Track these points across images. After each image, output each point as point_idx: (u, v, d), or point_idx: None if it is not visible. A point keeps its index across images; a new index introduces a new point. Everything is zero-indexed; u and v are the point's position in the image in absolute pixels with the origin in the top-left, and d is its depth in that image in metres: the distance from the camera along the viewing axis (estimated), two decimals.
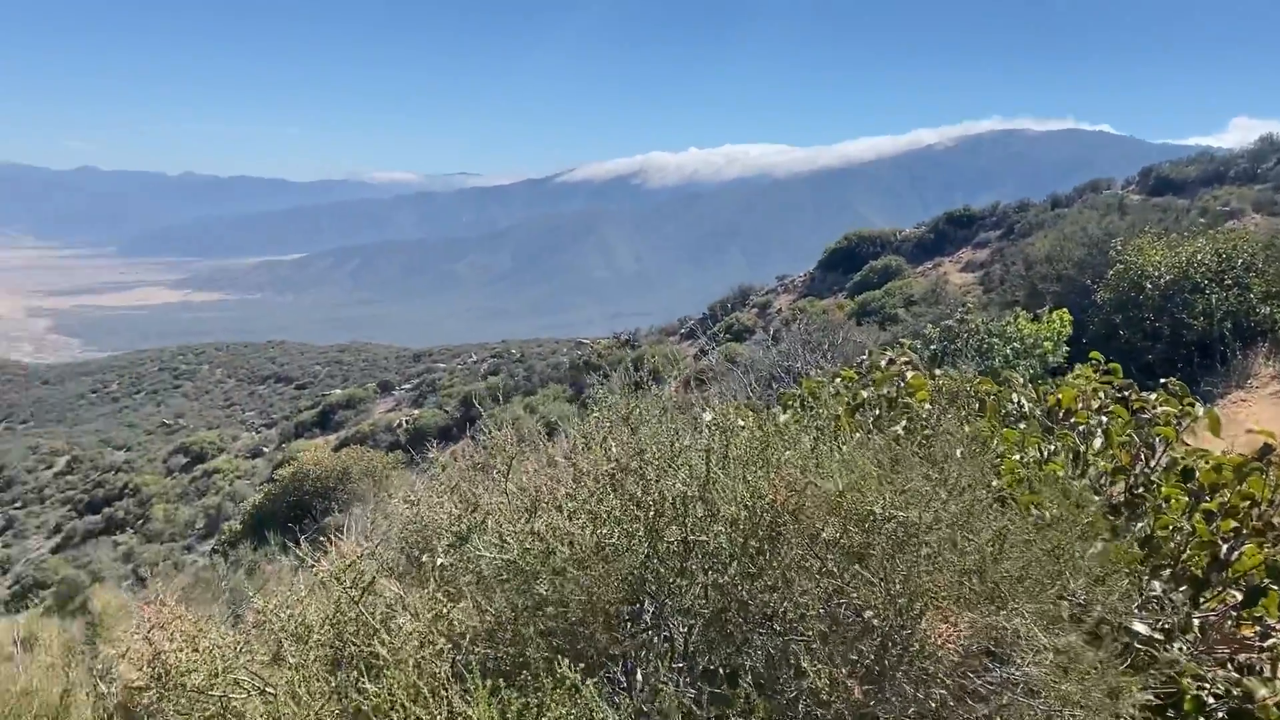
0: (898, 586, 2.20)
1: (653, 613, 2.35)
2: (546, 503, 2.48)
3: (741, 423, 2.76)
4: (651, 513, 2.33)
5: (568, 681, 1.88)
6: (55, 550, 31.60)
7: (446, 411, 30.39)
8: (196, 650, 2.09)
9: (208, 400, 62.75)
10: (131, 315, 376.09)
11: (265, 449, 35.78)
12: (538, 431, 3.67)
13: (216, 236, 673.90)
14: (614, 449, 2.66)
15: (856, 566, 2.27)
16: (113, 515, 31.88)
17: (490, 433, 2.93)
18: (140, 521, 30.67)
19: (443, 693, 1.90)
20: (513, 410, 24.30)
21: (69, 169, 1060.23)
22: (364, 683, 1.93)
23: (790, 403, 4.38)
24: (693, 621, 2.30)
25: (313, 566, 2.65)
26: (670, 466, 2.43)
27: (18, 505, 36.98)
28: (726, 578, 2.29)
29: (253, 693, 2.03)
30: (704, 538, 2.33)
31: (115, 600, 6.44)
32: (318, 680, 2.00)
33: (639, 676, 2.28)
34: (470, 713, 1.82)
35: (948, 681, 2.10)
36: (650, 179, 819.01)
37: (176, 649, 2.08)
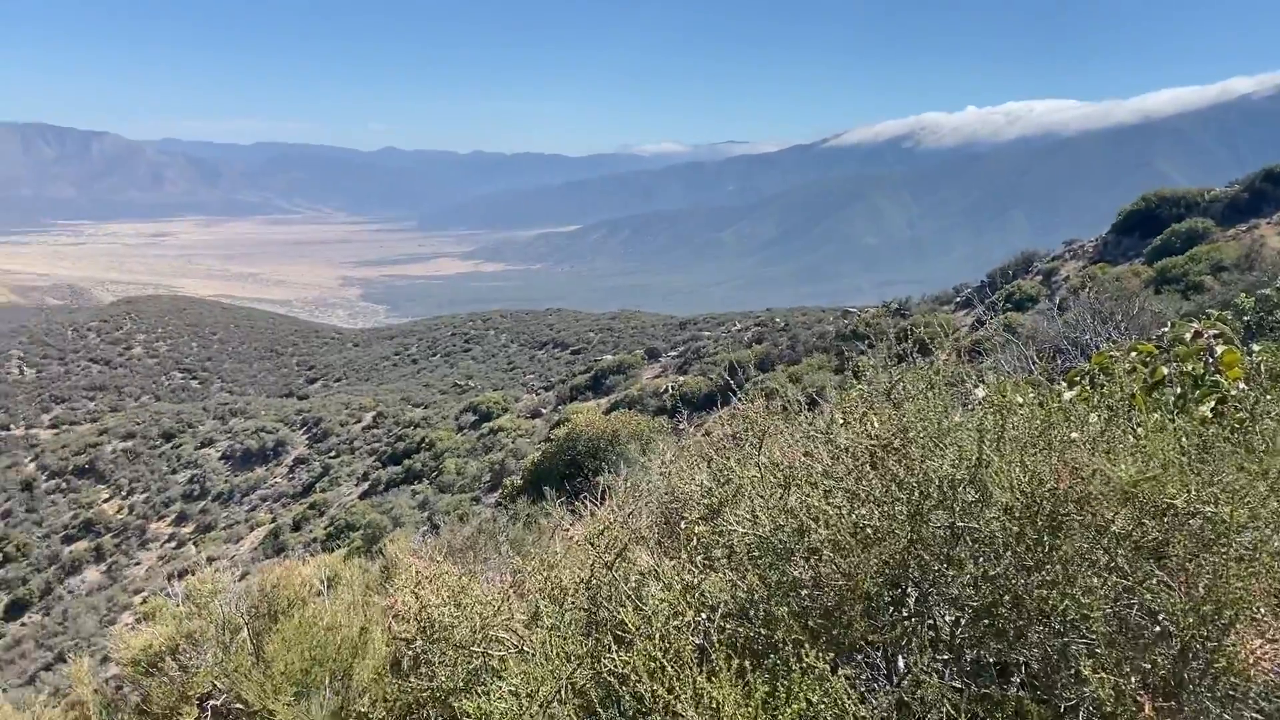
0: (1201, 591, 1.93)
1: (915, 600, 2.21)
2: (801, 478, 2.39)
3: (1020, 400, 2.52)
4: (916, 495, 2.18)
5: (816, 670, 1.80)
6: (363, 496, 35.01)
7: (711, 379, 30.76)
8: (459, 606, 2.18)
9: (493, 363, 67.09)
10: (428, 284, 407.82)
11: (543, 410, 37.77)
12: (798, 402, 3.57)
13: (502, 210, 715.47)
14: (874, 425, 2.52)
15: (1152, 565, 2.02)
16: (411, 466, 34.84)
17: (743, 403, 2.86)
18: (434, 473, 33.32)
19: (687, 671, 1.88)
20: (776, 379, 24.21)
21: (374, 150, 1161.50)
22: (614, 651, 1.94)
23: (1077, 379, 4.01)
24: (960, 612, 2.14)
25: (570, 528, 2.71)
26: (937, 446, 2.27)
27: (332, 455, 41.26)
28: (999, 568, 2.10)
29: (510, 651, 2.10)
30: (974, 524, 2.15)
31: (406, 547, 6.93)
32: (572, 643, 2.04)
33: (899, 665, 2.16)
34: (715, 694, 1.78)
35: (1262, 705, 1.82)
36: (924, 141, 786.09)
37: (441, 604, 2.19)
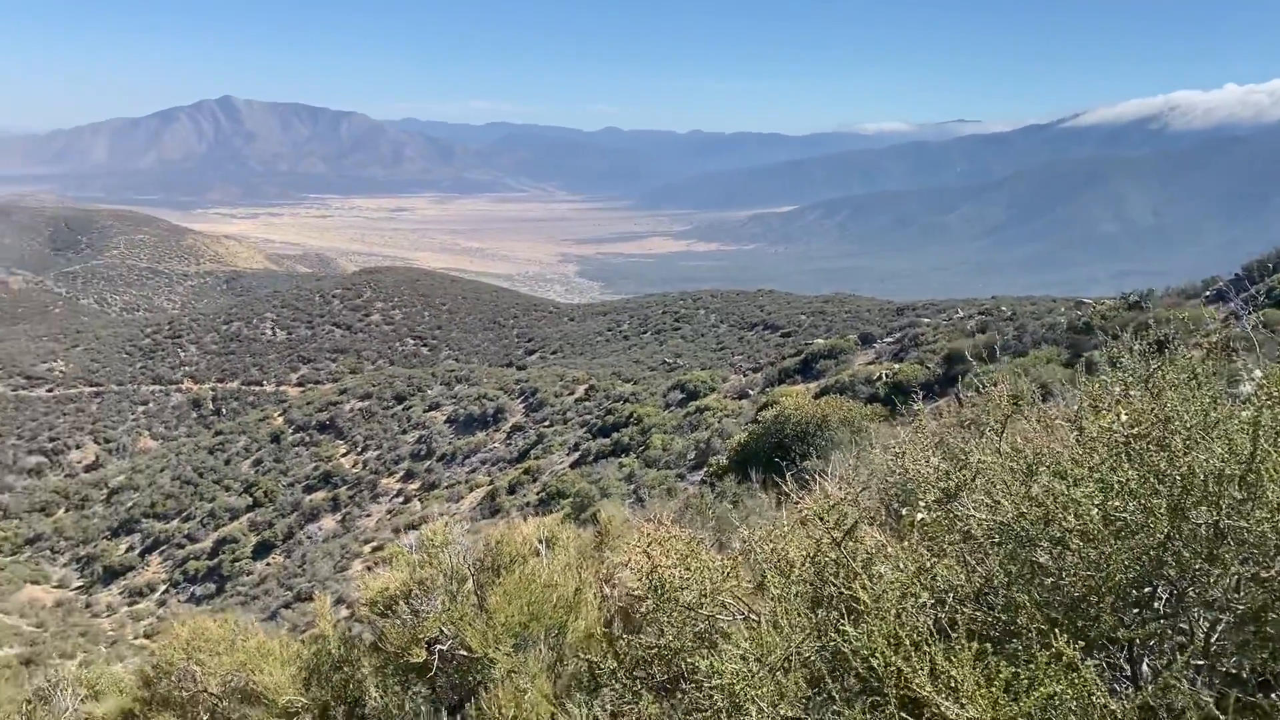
0: None
1: (1169, 599, 2.06)
2: (1047, 466, 2.27)
3: None
4: (1177, 489, 2.03)
5: (1064, 657, 1.72)
6: (573, 465, 36.20)
7: (928, 367, 29.76)
8: (689, 569, 2.23)
9: (702, 342, 67.56)
10: (642, 262, 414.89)
11: (751, 391, 37.73)
12: (1031, 393, 3.40)
13: (717, 190, 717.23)
14: (1124, 415, 2.36)
15: None
16: (619, 440, 35.71)
17: (981, 389, 2.76)
18: (641, 448, 34.02)
19: (925, 647, 1.84)
20: (1001, 371, 23.13)
21: (596, 130, 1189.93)
22: (844, 624, 1.92)
23: None
24: (1221, 616, 1.98)
25: (795, 504, 2.70)
26: (1204, 438, 2.10)
27: (546, 424, 42.88)
28: (1272, 572, 1.93)
29: (737, 617, 2.12)
30: (1243, 523, 1.98)
31: (619, 514, 7.09)
32: (798, 615, 2.04)
33: (1145, 667, 2.02)
34: (954, 673, 1.74)
35: None
36: (1174, 122, 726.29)
37: (671, 566, 2.24)
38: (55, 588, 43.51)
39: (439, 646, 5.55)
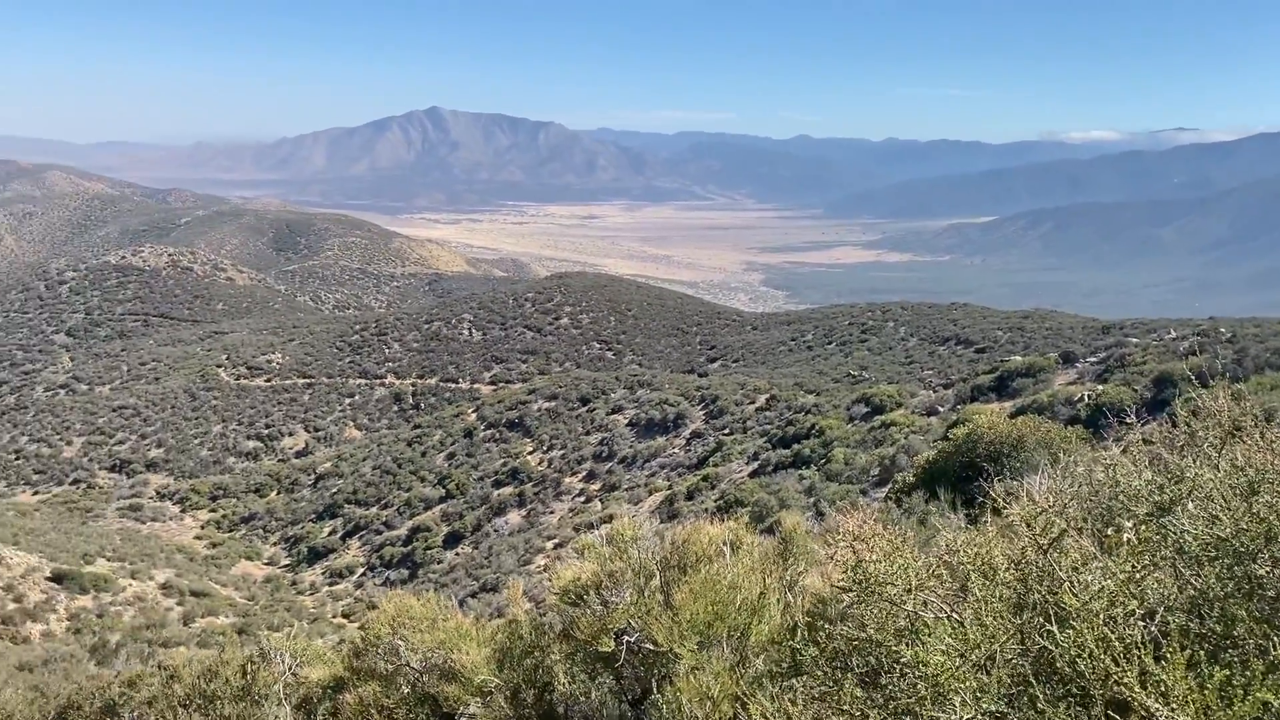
0: None
1: None
2: (1272, 483, 2.18)
3: None
4: None
5: None
6: (752, 475, 36.13)
7: (1135, 389, 28.05)
8: (893, 565, 2.26)
9: (890, 356, 65.97)
10: (828, 272, 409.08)
11: (940, 408, 36.59)
12: (1254, 416, 3.23)
13: (911, 199, 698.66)
14: None
15: None
16: (800, 451, 35.38)
17: (1199, 404, 2.66)
18: (823, 460, 33.59)
19: (1135, 652, 1.81)
20: (1218, 391, 21.55)
21: (787, 138, 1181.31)
22: (1050, 629, 1.92)
23: None
24: None
25: (997, 513, 2.68)
26: None
27: (726, 432, 42.98)
28: None
29: (940, 615, 2.14)
30: None
31: (803, 524, 7.11)
32: (1001, 617, 2.04)
33: None
34: (1165, 677, 1.71)
35: None
36: None
37: (876, 560, 2.28)
38: (266, 564, 47.00)
39: (626, 638, 5.71)
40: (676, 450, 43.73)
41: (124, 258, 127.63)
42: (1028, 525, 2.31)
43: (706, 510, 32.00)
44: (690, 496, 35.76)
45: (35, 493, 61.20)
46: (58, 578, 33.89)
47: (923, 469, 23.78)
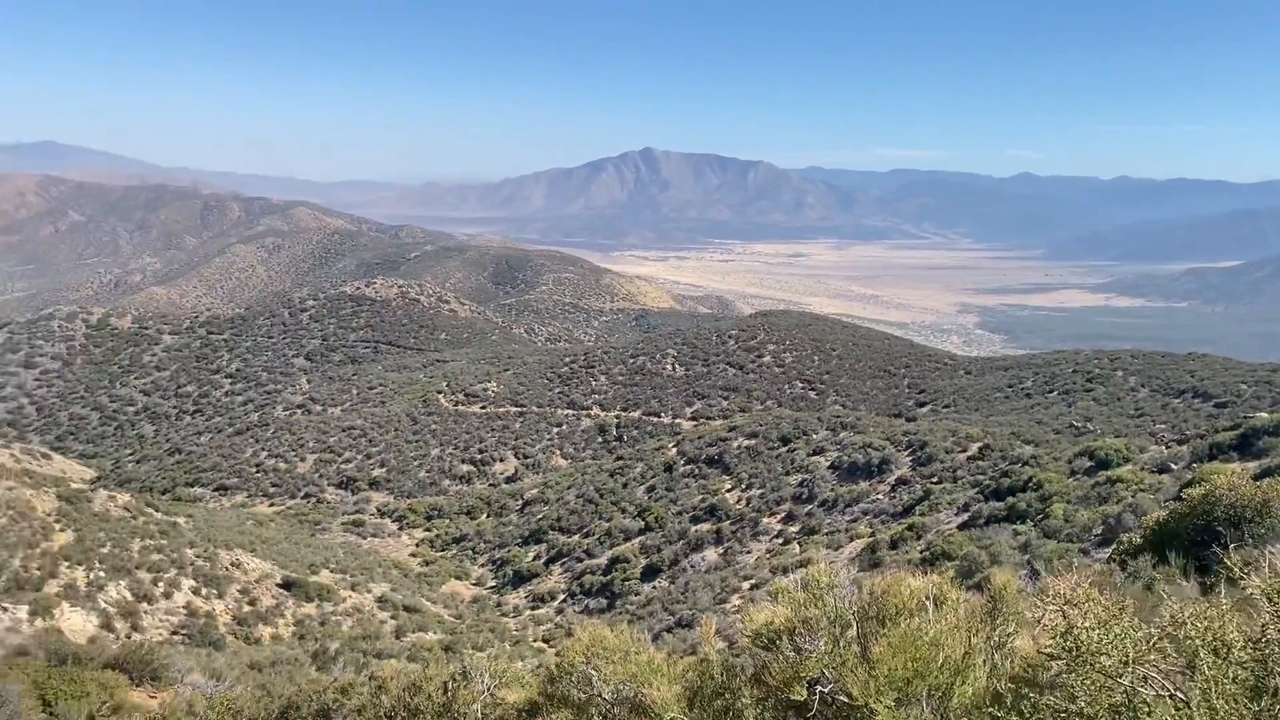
0: None
1: None
2: None
3: None
4: None
5: None
6: (961, 527, 34.55)
7: None
8: (1109, 634, 2.08)
9: (1117, 407, 61.78)
10: (1050, 316, 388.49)
11: (1173, 465, 33.84)
12: None
13: (1145, 241, 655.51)
14: None
15: None
16: (1014, 505, 33.53)
17: None
18: (1040, 516, 31.71)
19: None
20: None
21: (1007, 176, 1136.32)
22: None
23: None
24: None
25: (1236, 583, 2.42)
26: None
27: (934, 480, 41.35)
28: None
29: (1161, 693, 1.95)
30: None
31: (1014, 582, 6.74)
32: (1235, 700, 1.83)
33: None
34: None
35: None
36: None
37: (1089, 627, 2.10)
38: (473, 584, 48.91)
39: (820, 688, 5.57)
40: (880, 496, 42.48)
41: (358, 288, 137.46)
42: (1269, 600, 2.06)
43: (910, 561, 30.85)
44: (894, 545, 34.58)
45: (272, 504, 66.39)
46: (287, 585, 36.53)
47: (1152, 530, 22.04)
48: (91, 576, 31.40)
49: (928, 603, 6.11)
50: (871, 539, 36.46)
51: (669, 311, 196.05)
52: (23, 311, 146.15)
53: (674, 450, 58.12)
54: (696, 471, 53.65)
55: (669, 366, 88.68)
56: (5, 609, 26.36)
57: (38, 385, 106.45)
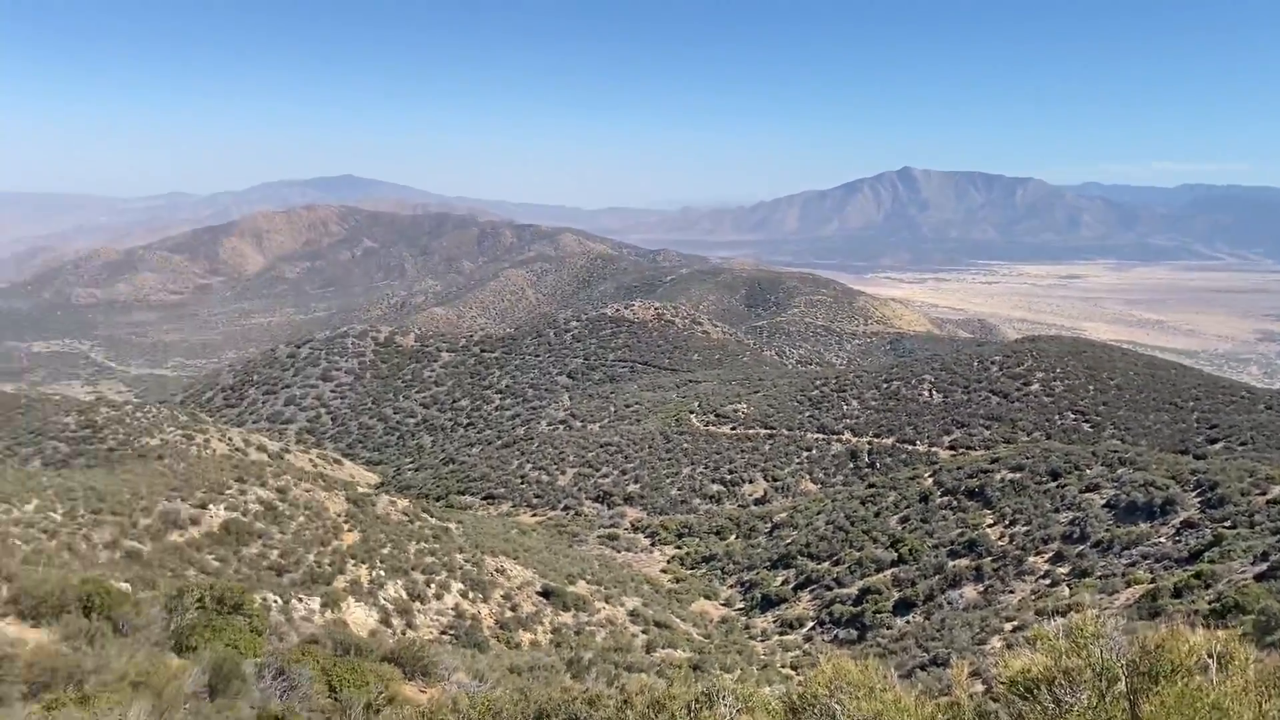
0: None
1: None
2: None
3: None
4: None
5: None
6: (1259, 578, 31.07)
7: None
8: None
9: None
10: None
11: None
12: None
13: None
14: None
15: None
16: None
17: None
18: None
19: None
20: None
21: None
22: None
23: None
24: None
25: None
26: None
27: (1226, 524, 37.42)
28: None
29: None
30: None
31: None
32: None
33: None
34: None
35: None
36: None
37: None
38: (722, 605, 49.17)
39: None
40: (1163, 540, 38.95)
41: (617, 310, 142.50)
42: None
43: (1196, 613, 28.10)
44: (1176, 594, 31.59)
45: (534, 514, 69.78)
46: (546, 593, 38.26)
47: None
48: (373, 575, 34.25)
49: (1211, 661, 5.62)
50: (1151, 586, 33.51)
51: (925, 335, 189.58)
52: (322, 329, 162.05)
53: (930, 480, 56.02)
54: (954, 503, 51.41)
55: (925, 392, 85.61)
56: (301, 599, 29.24)
57: (333, 396, 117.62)
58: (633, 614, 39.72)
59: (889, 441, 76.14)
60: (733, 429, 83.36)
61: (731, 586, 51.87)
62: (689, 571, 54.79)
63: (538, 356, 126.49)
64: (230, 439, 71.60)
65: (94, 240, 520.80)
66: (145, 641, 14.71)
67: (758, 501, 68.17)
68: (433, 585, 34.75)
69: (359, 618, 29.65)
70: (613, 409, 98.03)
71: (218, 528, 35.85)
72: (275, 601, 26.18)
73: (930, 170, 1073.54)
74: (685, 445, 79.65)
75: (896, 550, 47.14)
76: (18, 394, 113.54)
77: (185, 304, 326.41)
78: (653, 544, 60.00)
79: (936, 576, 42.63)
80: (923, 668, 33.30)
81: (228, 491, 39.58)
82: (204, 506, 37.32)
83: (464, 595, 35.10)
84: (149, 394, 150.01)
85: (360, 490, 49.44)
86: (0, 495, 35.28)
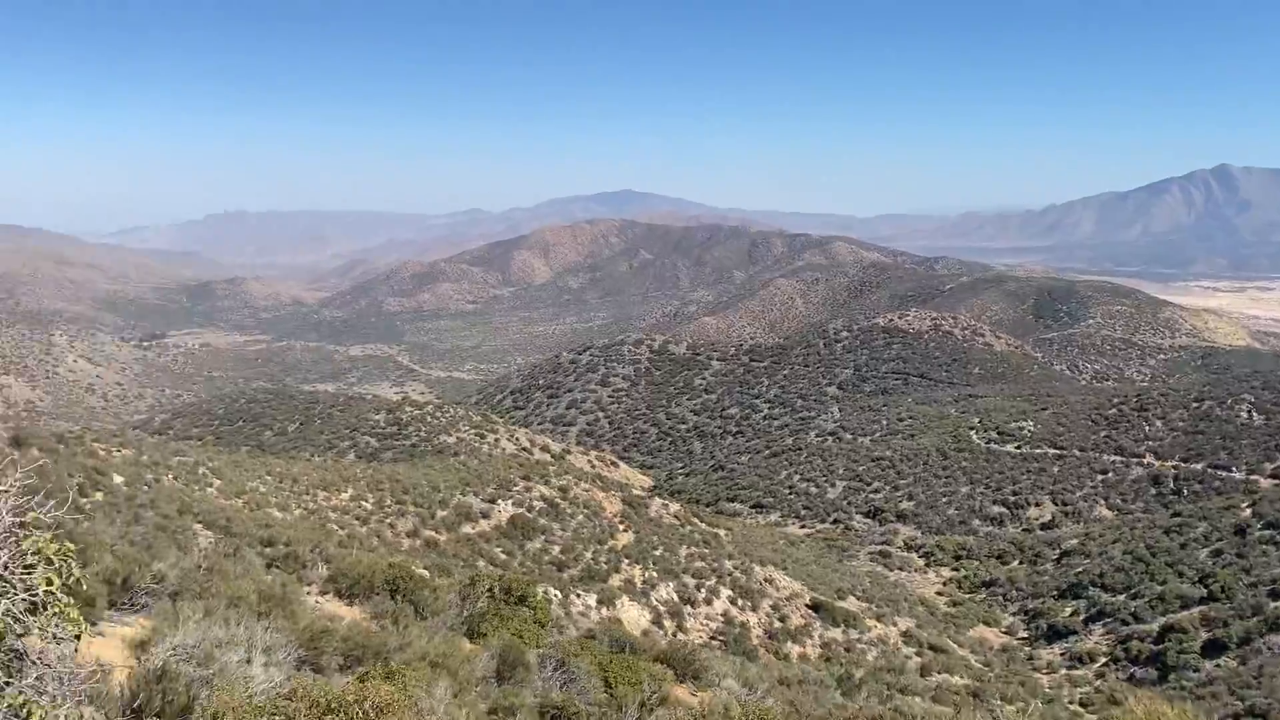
0: None
1: None
2: None
3: None
4: None
5: None
6: None
7: None
8: None
9: None
10: None
11: None
12: None
13: None
14: None
15: None
16: None
17: None
18: None
19: None
20: None
21: None
22: None
23: None
24: None
25: None
26: None
27: None
28: None
29: None
30: None
31: None
32: None
33: None
34: None
35: None
36: None
37: None
38: (1003, 632, 46.47)
39: None
40: None
41: (891, 320, 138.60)
42: None
43: None
44: None
45: (802, 526, 69.13)
46: (815, 606, 37.70)
47: None
48: (646, 575, 35.12)
49: None
50: None
51: (1244, 350, 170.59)
52: (601, 337, 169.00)
53: (1248, 510, 50.28)
54: (1277, 539, 45.82)
55: (1244, 413, 76.81)
56: (579, 595, 30.47)
57: (610, 401, 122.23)
58: (906, 635, 38.35)
59: (1198, 467, 68.95)
60: (1017, 447, 78.71)
61: (1014, 614, 48.95)
62: (967, 595, 52.28)
63: (807, 367, 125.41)
64: (517, 439, 76.06)
65: (402, 254, 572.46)
66: (442, 625, 15.81)
67: (1044, 526, 63.89)
68: (703, 590, 35.17)
69: (632, 616, 30.48)
70: (885, 422, 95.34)
71: (505, 522, 38.11)
72: (555, 595, 27.42)
73: (1252, 167, 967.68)
74: (964, 463, 76.11)
75: (1206, 586, 42.66)
76: (337, 394, 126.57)
77: (480, 312, 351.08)
78: (927, 564, 57.76)
79: (1254, 618, 38.16)
80: (1236, 717, 29.97)
81: (515, 489, 42.02)
82: (493, 502, 39.81)
83: (733, 602, 35.26)
84: (447, 395, 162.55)
85: (635, 492, 50.97)
86: (323, 483, 39.37)
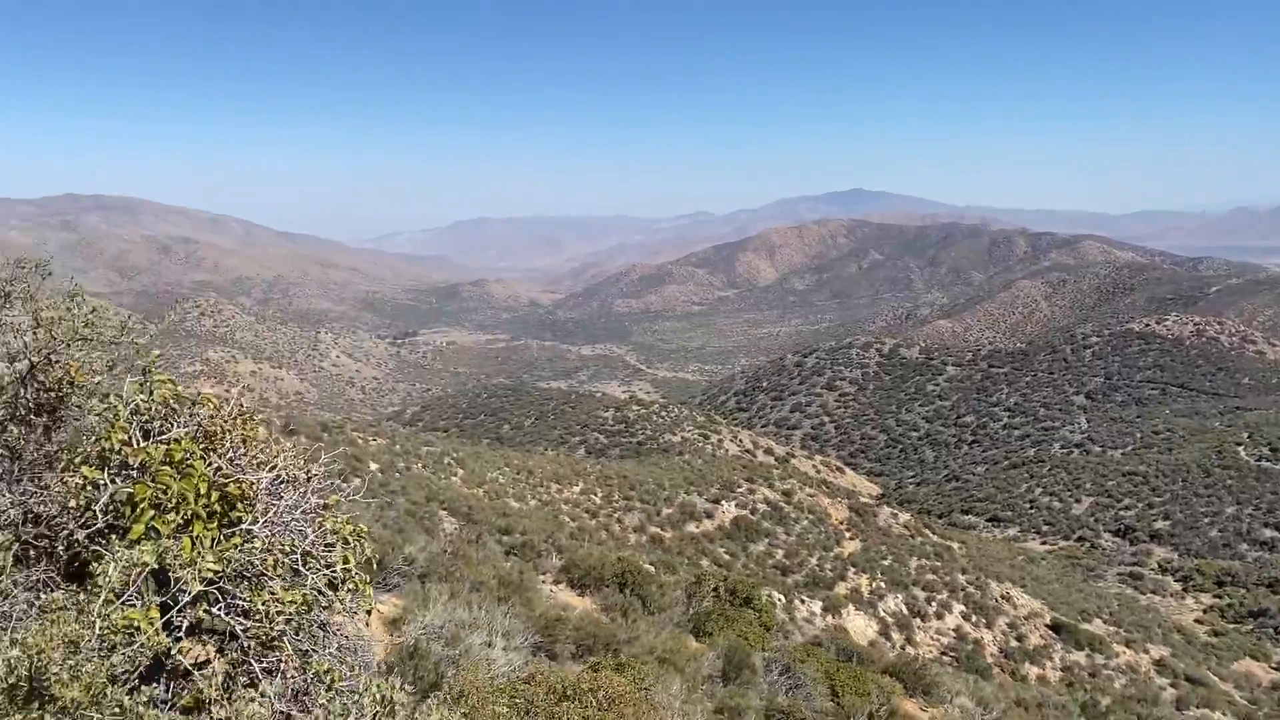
0: None
1: None
2: None
3: None
4: None
5: None
6: None
7: None
8: None
9: None
10: None
11: None
12: None
13: None
14: None
15: None
16: None
17: None
18: None
19: None
20: None
21: None
22: None
23: None
24: None
25: None
26: None
27: None
28: None
29: None
30: None
31: None
32: None
33: None
34: None
35: None
36: None
37: None
38: (1273, 668, 42.12)
39: None
40: None
41: (1146, 325, 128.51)
42: None
43: None
44: None
45: (1043, 542, 65.36)
46: (1056, 627, 35.55)
47: None
48: (874, 585, 34.29)
49: None
50: None
51: None
52: (827, 340, 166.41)
53: None
54: None
55: None
56: (803, 601, 30.16)
57: (836, 405, 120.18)
58: (1159, 663, 35.49)
59: None
60: None
61: None
62: (1231, 625, 47.75)
63: (1051, 374, 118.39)
64: (741, 440, 76.21)
65: (631, 257, 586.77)
66: (668, 621, 16.07)
67: None
68: (933, 603, 33.95)
69: (858, 626, 29.86)
70: (1138, 435, 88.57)
71: (729, 523, 38.29)
72: (779, 599, 27.25)
73: None
74: (1230, 481, 69.54)
75: None
76: (568, 391, 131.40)
77: (705, 314, 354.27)
78: (1185, 589, 53.20)
79: None
80: None
81: (738, 490, 42.12)
82: (717, 502, 40.07)
83: (966, 618, 33.82)
84: (672, 395, 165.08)
85: (862, 500, 49.89)
86: (556, 476, 40.98)
